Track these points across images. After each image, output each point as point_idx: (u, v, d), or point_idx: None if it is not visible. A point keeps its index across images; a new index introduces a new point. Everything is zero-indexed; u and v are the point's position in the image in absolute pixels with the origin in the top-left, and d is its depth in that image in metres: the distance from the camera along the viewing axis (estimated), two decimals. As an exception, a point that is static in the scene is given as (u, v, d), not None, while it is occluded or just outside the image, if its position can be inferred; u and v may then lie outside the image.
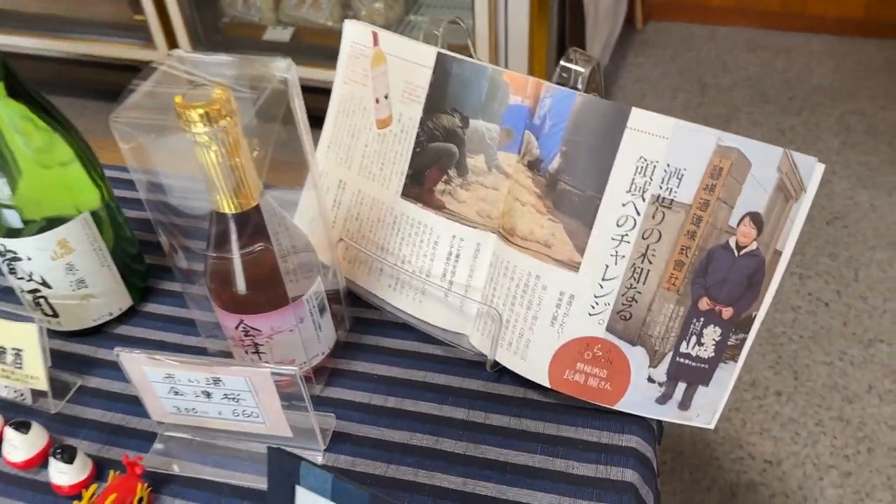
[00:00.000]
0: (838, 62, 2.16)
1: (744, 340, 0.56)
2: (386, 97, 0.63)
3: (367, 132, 0.65)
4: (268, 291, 0.54)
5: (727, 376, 0.56)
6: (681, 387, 0.56)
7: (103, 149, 0.67)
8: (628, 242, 0.53)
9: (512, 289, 0.57)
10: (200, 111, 0.46)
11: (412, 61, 0.61)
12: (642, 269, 0.53)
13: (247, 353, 0.58)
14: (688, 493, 1.24)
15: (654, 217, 0.52)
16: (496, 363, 0.59)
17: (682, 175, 0.51)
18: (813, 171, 0.52)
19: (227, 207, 0.50)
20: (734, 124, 1.98)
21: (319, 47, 1.92)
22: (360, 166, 0.65)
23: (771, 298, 0.55)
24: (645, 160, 0.51)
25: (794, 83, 2.09)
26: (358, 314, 0.66)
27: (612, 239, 0.53)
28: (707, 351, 0.55)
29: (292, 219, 0.61)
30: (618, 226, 0.53)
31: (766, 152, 0.51)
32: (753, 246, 0.53)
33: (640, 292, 0.54)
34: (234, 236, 0.52)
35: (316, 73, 1.49)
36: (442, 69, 0.59)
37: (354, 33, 0.66)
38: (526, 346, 0.57)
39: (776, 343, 1.48)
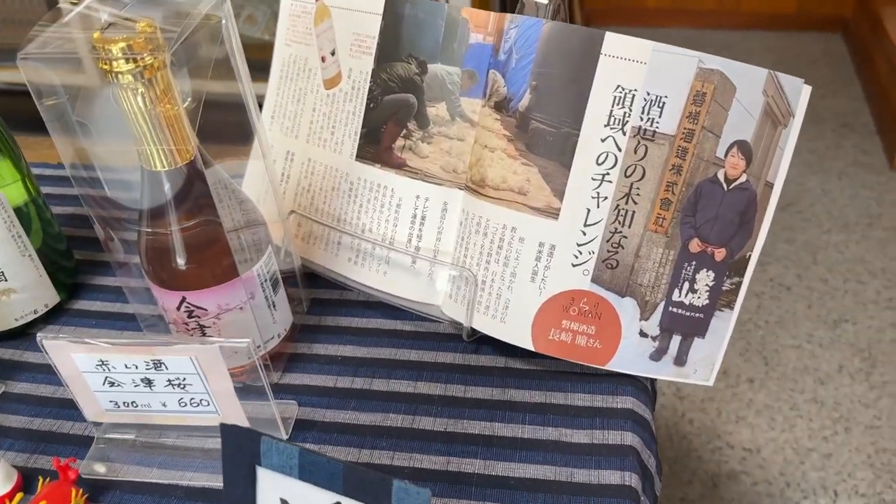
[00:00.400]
0: (778, 56, 2.19)
1: (739, 285, 0.51)
2: (333, 54, 0.58)
3: (313, 95, 0.59)
4: (213, 262, 0.48)
5: (724, 326, 0.52)
6: (675, 340, 0.51)
7: (29, 148, 0.61)
8: (610, 182, 0.48)
9: (486, 246, 0.51)
10: (122, 45, 0.40)
11: (359, 9, 0.56)
12: (627, 210, 0.49)
13: (192, 336, 0.51)
14: (669, 487, 1.20)
15: (636, 152, 0.48)
16: (473, 331, 0.53)
17: (664, 103, 0.47)
18: (800, 93, 0.48)
19: (160, 163, 0.44)
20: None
21: (257, 61, 1.86)
22: (309, 133, 0.60)
23: (764, 238, 0.51)
24: (623, 89, 0.47)
25: (735, 78, 2.11)
26: (316, 295, 0.60)
27: (593, 179, 0.48)
28: (701, 298, 0.51)
29: (237, 189, 0.55)
30: (598, 164, 0.48)
31: (750, 74, 0.47)
32: (743, 178, 0.49)
33: (625, 237, 0.49)
34: (169, 197, 0.46)
35: (256, 88, 1.42)
36: (392, 13, 0.54)
37: (294, -9, 0.61)
38: (505, 307, 0.51)
39: (743, 330, 1.45)
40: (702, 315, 0.51)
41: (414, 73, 0.53)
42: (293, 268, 0.58)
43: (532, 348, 0.51)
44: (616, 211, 0.49)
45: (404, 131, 0.54)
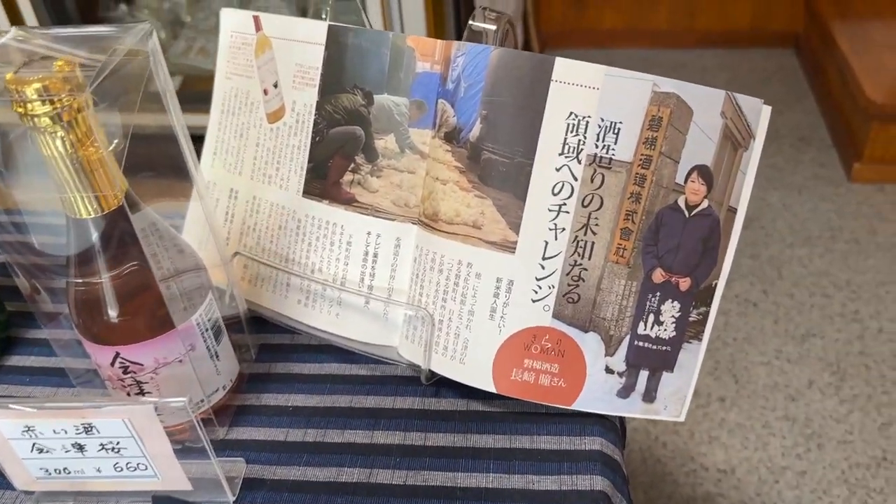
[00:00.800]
0: (732, 73, 2.21)
1: (706, 315, 0.49)
2: (275, 86, 0.55)
3: (256, 129, 0.56)
4: (146, 313, 0.45)
5: (692, 358, 0.50)
6: (643, 375, 0.49)
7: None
8: (567, 212, 0.46)
9: (441, 283, 0.49)
10: (37, 86, 0.37)
11: (301, 40, 0.53)
12: (586, 241, 0.46)
13: (129, 395, 0.48)
14: (645, 514, 1.17)
15: (592, 180, 0.45)
16: (432, 373, 0.50)
17: (619, 129, 0.45)
18: (760, 113, 0.47)
19: (84, 210, 0.41)
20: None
21: (209, 94, 1.83)
22: (253, 169, 0.57)
23: (730, 264, 0.49)
24: (576, 116, 0.45)
25: (692, 96, 2.12)
26: (266, 340, 0.56)
27: (549, 210, 0.46)
28: (667, 330, 0.49)
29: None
30: (554, 194, 0.46)
31: (707, 96, 0.46)
32: (705, 204, 0.47)
33: (586, 269, 0.47)
34: (96, 246, 0.42)
35: (206, 121, 1.39)
36: (336, 43, 0.51)
37: (233, 21, 0.58)
38: (464, 347, 0.49)
39: (712, 348, 1.44)
40: (669, 348, 0.49)
41: (360, 104, 0.51)
42: (239, 313, 0.55)
43: (494, 390, 0.49)
44: (575, 243, 0.46)
45: (352, 165, 0.52)
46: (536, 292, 0.47)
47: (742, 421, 1.31)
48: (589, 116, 0.44)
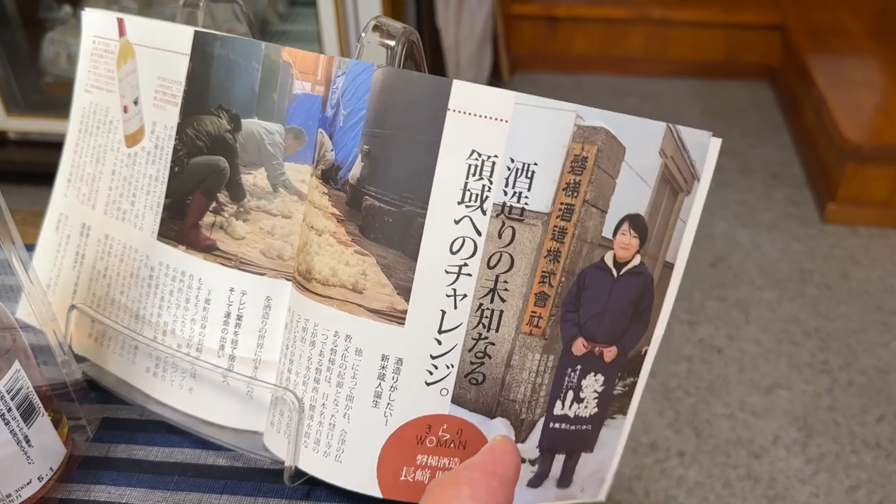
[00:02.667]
0: (705, 104, 2.14)
1: (633, 386, 0.41)
2: (136, 103, 0.45)
3: (113, 154, 0.46)
4: (-90, 393, 0.34)
5: (616, 435, 0.42)
6: (559, 459, 0.40)
7: None
8: (469, 275, 0.36)
9: (314, 359, 0.39)
10: None
11: (166, 49, 0.43)
12: (493, 310, 0.37)
13: None
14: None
15: (500, 235, 0.36)
16: (299, 472, 0.40)
17: (533, 172, 0.35)
18: (707, 149, 0.38)
19: None
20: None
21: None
22: (108, 202, 0.46)
23: (664, 328, 0.40)
24: (479, 155, 0.35)
25: (663, 127, 2.05)
26: (111, 413, 0.46)
27: (447, 272, 0.36)
28: (588, 407, 0.40)
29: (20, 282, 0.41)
30: (452, 252, 0.36)
31: (643, 130, 0.37)
32: (636, 261, 0.38)
33: (493, 343, 0.37)
34: None
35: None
36: (201, 53, 0.42)
37: (97, 24, 0.48)
38: (341, 441, 0.38)
39: (672, 398, 1.35)
40: (590, 426, 0.40)
41: (225, 129, 0.41)
42: (79, 378, 0.44)
43: (379, 495, 0.39)
44: (479, 312, 0.37)
45: (214, 204, 0.42)
46: (431, 373, 0.37)
47: (702, 479, 1.22)
48: (496, 156, 0.35)
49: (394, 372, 0.37)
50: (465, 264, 0.36)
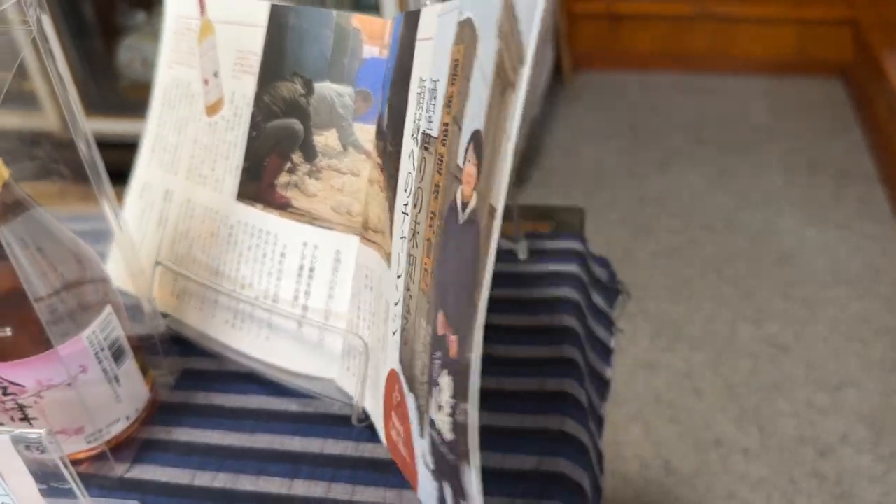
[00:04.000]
0: (773, 101, 2.10)
1: (466, 419, 0.28)
2: (216, 75, 0.48)
3: (195, 124, 0.50)
4: (18, 327, 0.38)
5: (474, 491, 0.30)
6: (447, 491, 0.32)
7: None
8: (406, 214, 0.34)
9: (373, 305, 0.41)
10: None
11: (242, 22, 0.46)
12: (414, 258, 0.33)
13: (13, 419, 0.41)
14: (652, 573, 1.07)
15: (421, 169, 0.33)
16: (366, 414, 0.42)
17: (436, 91, 0.32)
18: (535, 14, 0.25)
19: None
20: (671, 167, 1.89)
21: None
22: (189, 168, 0.50)
23: (483, 317, 0.27)
24: (422, 80, 0.33)
25: (730, 124, 2.02)
26: (190, 365, 0.49)
27: (402, 213, 0.35)
28: (445, 426, 0.30)
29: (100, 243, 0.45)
30: (405, 191, 0.35)
31: (485, 8, 0.28)
32: (474, 201, 0.28)
33: (412, 296, 0.33)
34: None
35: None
36: (276, 25, 0.44)
37: (178, 4, 0.51)
38: (376, 386, 0.40)
39: (735, 395, 1.33)
40: (453, 458, 0.30)
41: (299, 94, 0.44)
42: (164, 332, 0.48)
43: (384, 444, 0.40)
44: (408, 259, 0.33)
45: (289, 164, 0.44)
46: (394, 321, 0.36)
47: (766, 476, 1.20)
48: (426, 79, 0.32)
49: (392, 317, 0.36)
50: (406, 203, 0.35)
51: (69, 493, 0.35)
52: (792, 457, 1.23)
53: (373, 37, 0.41)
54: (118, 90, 1.88)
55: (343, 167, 0.43)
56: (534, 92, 1.93)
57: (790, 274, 1.58)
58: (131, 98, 1.85)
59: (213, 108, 0.49)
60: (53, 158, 0.42)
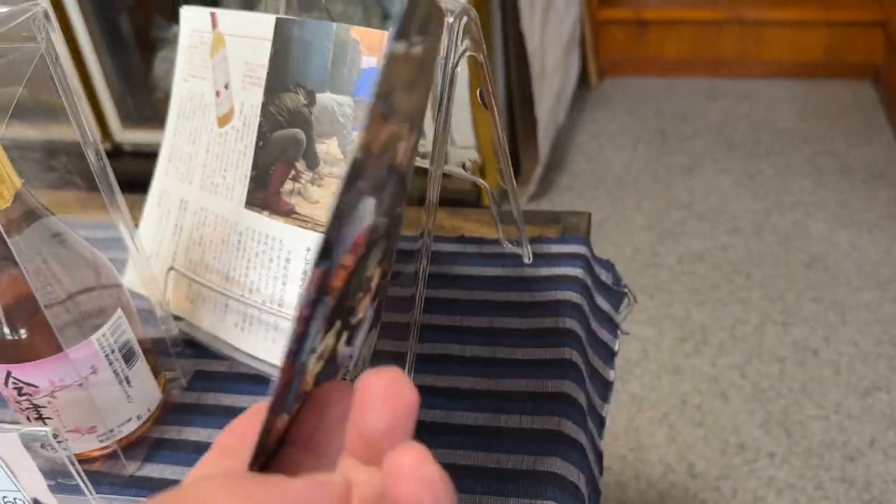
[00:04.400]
0: (803, 104, 2.08)
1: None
2: (227, 87, 0.50)
3: (208, 134, 0.51)
4: (32, 329, 0.40)
5: None
6: None
7: None
8: None
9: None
10: None
11: (252, 36, 0.48)
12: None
13: (28, 419, 0.43)
14: (676, 578, 1.06)
15: None
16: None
17: None
18: None
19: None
20: (698, 172, 1.88)
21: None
22: (202, 178, 0.52)
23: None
24: None
25: (758, 128, 2.00)
26: (202, 367, 0.51)
27: None
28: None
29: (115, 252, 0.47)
30: None
31: None
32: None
33: None
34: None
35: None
36: (282, 37, 0.46)
37: (192, 19, 0.53)
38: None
39: (763, 399, 1.32)
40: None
41: (302, 104, 0.45)
42: (176, 335, 0.49)
43: None
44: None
45: (293, 172, 0.46)
46: None
47: (793, 481, 1.19)
48: None
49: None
50: None
51: (77, 490, 0.37)
52: (820, 461, 1.21)
53: (371, 47, 0.43)
54: (154, 102, 1.93)
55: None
56: (557, 98, 1.93)
57: (820, 277, 1.56)
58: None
59: (224, 119, 0.51)
60: (69, 169, 0.44)
